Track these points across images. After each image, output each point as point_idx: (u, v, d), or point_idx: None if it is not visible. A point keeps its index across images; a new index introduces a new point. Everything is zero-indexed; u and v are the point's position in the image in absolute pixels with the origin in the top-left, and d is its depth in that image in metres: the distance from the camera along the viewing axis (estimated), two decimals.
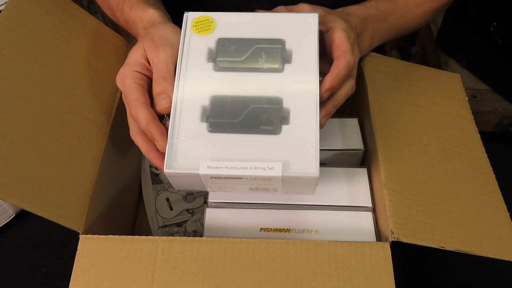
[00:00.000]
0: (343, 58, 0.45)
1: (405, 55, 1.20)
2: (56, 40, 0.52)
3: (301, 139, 0.43)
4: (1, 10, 0.49)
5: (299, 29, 0.47)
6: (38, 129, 0.46)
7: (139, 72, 0.46)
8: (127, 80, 0.45)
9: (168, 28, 0.48)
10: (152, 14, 0.50)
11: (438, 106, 0.57)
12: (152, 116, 0.43)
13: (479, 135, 0.55)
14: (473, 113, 0.59)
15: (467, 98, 0.59)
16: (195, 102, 0.45)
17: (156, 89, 0.44)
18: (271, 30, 0.48)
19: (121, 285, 0.42)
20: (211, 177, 0.42)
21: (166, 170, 0.42)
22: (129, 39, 0.61)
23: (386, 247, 0.43)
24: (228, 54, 0.46)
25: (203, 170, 0.41)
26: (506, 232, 0.47)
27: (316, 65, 0.45)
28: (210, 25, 0.48)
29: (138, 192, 0.65)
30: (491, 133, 0.98)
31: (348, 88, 0.47)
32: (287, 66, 0.46)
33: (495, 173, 0.52)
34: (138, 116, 0.43)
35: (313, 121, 0.43)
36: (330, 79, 0.45)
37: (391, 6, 0.58)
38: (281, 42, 0.47)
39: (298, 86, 0.45)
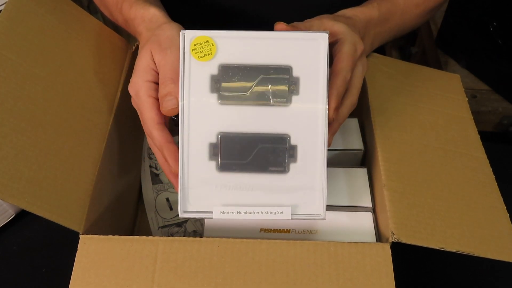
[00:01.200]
0: (340, 75, 0.45)
1: (405, 55, 1.20)
2: (56, 40, 0.52)
3: (309, 181, 0.44)
4: (1, 10, 0.49)
5: (308, 52, 0.44)
6: (38, 129, 0.46)
7: (151, 81, 0.45)
8: (141, 92, 0.45)
9: (174, 30, 0.47)
10: (154, 13, 0.49)
11: (438, 106, 0.57)
12: (166, 140, 0.44)
13: (479, 136, 0.55)
14: (473, 113, 0.59)
15: (467, 99, 0.59)
16: (203, 140, 0.45)
17: (162, 90, 0.44)
18: (277, 53, 0.45)
19: (121, 285, 0.42)
20: None
21: (180, 215, 0.44)
22: (129, 39, 0.61)
23: (386, 248, 0.43)
24: (233, 85, 0.45)
25: (216, 215, 0.44)
26: (506, 233, 0.47)
27: (324, 96, 0.44)
28: (210, 49, 0.45)
29: (138, 192, 0.65)
30: (491, 133, 0.98)
31: (349, 104, 0.47)
32: (294, 97, 0.44)
33: (495, 173, 0.52)
34: (153, 136, 0.44)
35: (321, 159, 0.44)
36: (334, 99, 0.44)
37: (392, 7, 0.58)
38: (288, 71, 0.44)
39: (305, 121, 0.45)
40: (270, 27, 0.48)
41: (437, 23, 1.08)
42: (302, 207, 0.44)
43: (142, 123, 0.46)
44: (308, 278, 0.42)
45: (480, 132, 0.56)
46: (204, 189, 0.44)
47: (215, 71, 0.44)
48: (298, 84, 0.44)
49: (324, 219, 0.44)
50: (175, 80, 0.44)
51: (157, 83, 0.46)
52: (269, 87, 0.44)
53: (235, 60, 0.44)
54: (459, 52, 1.01)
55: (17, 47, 0.48)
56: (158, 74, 0.46)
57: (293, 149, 0.45)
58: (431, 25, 1.10)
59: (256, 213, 0.44)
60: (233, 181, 0.44)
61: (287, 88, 0.44)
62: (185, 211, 0.44)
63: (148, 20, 0.49)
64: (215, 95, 0.44)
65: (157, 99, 0.45)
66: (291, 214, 0.44)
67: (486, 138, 0.57)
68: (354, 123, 0.58)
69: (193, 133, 0.45)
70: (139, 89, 0.45)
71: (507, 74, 0.94)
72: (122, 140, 0.56)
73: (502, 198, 0.49)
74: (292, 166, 0.44)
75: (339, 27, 0.48)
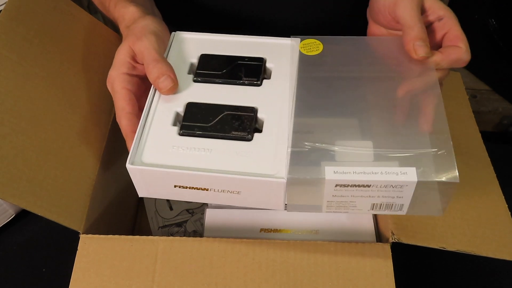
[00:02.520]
0: (462, 49, 0.46)
1: None
2: (56, 40, 0.52)
3: (272, 148, 0.41)
4: (1, 10, 0.49)
5: (281, 50, 0.49)
6: (38, 129, 0.46)
7: (127, 73, 0.45)
8: (115, 84, 0.45)
9: (147, 20, 0.47)
10: (132, 11, 0.49)
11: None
12: (131, 130, 0.43)
13: (480, 134, 0.55)
14: (473, 113, 0.59)
15: (468, 97, 0.59)
16: (169, 109, 0.44)
17: (152, 74, 0.44)
18: (254, 50, 0.49)
19: (121, 285, 0.42)
20: (336, 185, 0.38)
21: (128, 165, 0.40)
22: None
23: (387, 248, 0.43)
24: (209, 68, 0.47)
25: (329, 175, 0.37)
26: (507, 232, 0.47)
27: (294, 83, 0.45)
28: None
29: None
30: (491, 133, 0.98)
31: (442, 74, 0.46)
32: (265, 81, 0.46)
33: (495, 173, 0.52)
34: (121, 125, 0.44)
35: (286, 133, 0.42)
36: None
37: None
38: (261, 60, 0.48)
39: (274, 99, 0.45)
40: (268, 29, 0.51)
41: None
42: (264, 170, 0.40)
43: (116, 113, 0.46)
44: (308, 278, 0.42)
45: (480, 132, 0.56)
46: (160, 148, 0.41)
47: (194, 60, 0.48)
48: (270, 72, 0.47)
49: (284, 179, 0.39)
50: (160, 60, 0.44)
51: (133, 75, 0.46)
52: (243, 70, 0.47)
53: (215, 52, 0.49)
54: None
55: (17, 47, 0.48)
56: (134, 65, 0.46)
57: (259, 121, 0.44)
58: None
59: (375, 173, 0.37)
60: (193, 144, 0.42)
61: (260, 72, 0.46)
62: (133, 163, 0.40)
63: (128, 18, 0.49)
64: (190, 76, 0.47)
65: (131, 91, 0.45)
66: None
67: (486, 138, 0.57)
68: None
69: (161, 102, 0.45)
70: (114, 81, 0.45)
71: (507, 74, 0.94)
72: (122, 140, 0.56)
73: (503, 197, 0.49)
74: (256, 135, 0.42)
75: (437, 3, 0.47)
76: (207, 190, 0.41)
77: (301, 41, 0.48)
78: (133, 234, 0.62)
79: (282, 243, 0.43)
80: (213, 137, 0.42)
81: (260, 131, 0.43)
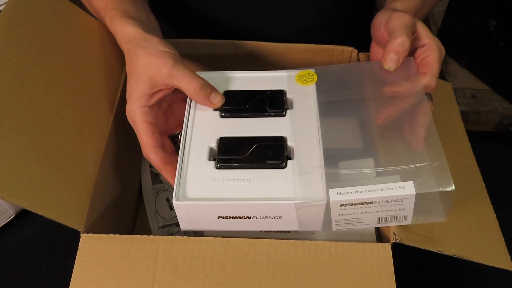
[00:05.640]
0: (427, 76, 0.47)
1: None
2: (56, 40, 0.52)
3: (307, 171, 0.43)
4: (1, 10, 0.49)
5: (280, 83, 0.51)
6: (38, 129, 0.46)
7: (146, 106, 0.47)
8: (136, 118, 0.47)
9: (157, 46, 0.48)
10: (130, 31, 0.50)
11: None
12: (162, 161, 0.46)
13: (470, 143, 0.55)
14: (473, 113, 0.59)
15: (462, 103, 0.59)
16: (203, 144, 0.46)
17: (205, 92, 0.47)
18: (273, 83, 0.52)
19: (122, 284, 0.42)
20: (341, 205, 0.42)
21: (175, 202, 0.42)
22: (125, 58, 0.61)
23: (387, 248, 0.43)
24: (234, 103, 0.49)
25: (334, 197, 0.41)
26: (496, 240, 0.48)
27: (316, 109, 0.48)
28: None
29: (138, 192, 0.65)
30: (491, 133, 0.98)
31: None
32: (289, 111, 0.49)
33: (495, 173, 0.52)
34: (151, 160, 0.47)
35: (317, 157, 0.44)
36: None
37: None
38: (282, 92, 0.50)
39: (301, 127, 0.47)
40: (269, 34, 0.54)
41: (437, 23, 1.08)
42: (304, 194, 0.42)
43: (141, 147, 0.48)
44: (308, 278, 0.42)
45: (480, 132, 0.56)
46: (201, 182, 0.44)
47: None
48: (292, 102, 0.50)
49: (324, 201, 0.41)
50: (196, 77, 0.47)
51: (151, 107, 0.47)
52: (267, 102, 0.49)
53: (237, 88, 0.51)
54: (459, 52, 1.01)
55: (17, 47, 0.48)
56: (152, 95, 0.47)
57: (290, 149, 0.46)
58: (431, 25, 1.10)
59: (376, 190, 0.41)
60: (231, 176, 0.44)
61: (283, 103, 0.49)
62: (178, 199, 0.42)
63: (127, 37, 0.50)
64: (217, 112, 0.49)
65: (152, 123, 0.47)
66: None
67: (486, 138, 0.57)
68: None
69: (194, 140, 0.47)
70: (134, 115, 0.47)
71: (507, 74, 0.94)
72: (122, 140, 0.56)
73: (491, 206, 0.50)
74: (290, 162, 0.44)
75: (423, 31, 0.48)
76: (249, 218, 0.43)
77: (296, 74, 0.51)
78: (133, 233, 0.62)
79: (283, 243, 0.43)
80: (250, 167, 0.44)
81: (290, 158, 0.45)
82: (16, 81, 0.46)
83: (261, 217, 0.43)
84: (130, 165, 0.62)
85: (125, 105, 0.48)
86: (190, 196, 0.43)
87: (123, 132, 0.56)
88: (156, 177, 0.65)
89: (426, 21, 1.11)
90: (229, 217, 0.43)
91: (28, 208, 0.42)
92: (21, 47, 0.48)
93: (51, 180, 0.45)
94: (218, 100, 0.48)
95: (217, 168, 0.44)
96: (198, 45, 0.63)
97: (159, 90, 0.47)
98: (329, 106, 0.48)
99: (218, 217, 0.43)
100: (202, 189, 0.43)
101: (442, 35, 1.05)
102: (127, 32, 0.50)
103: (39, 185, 0.44)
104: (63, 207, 0.44)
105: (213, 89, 0.48)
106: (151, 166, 0.66)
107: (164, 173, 0.46)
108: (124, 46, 0.50)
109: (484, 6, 0.93)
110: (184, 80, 0.46)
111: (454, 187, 0.40)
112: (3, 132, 0.43)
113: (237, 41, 0.62)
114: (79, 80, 0.53)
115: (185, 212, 0.43)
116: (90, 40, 0.57)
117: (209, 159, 0.45)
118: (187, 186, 0.43)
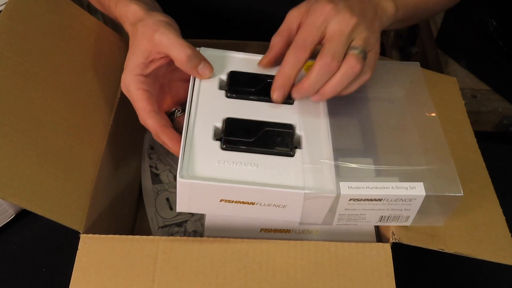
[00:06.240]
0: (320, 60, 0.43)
1: (405, 55, 1.20)
2: (56, 40, 0.52)
3: (316, 163, 0.43)
4: (1, 10, 0.49)
5: None
6: (38, 129, 0.46)
7: (140, 74, 0.46)
8: (130, 87, 0.46)
9: (156, 15, 0.48)
10: (134, 10, 0.49)
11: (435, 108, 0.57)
12: (159, 124, 0.45)
13: (475, 138, 0.55)
14: (473, 113, 0.59)
15: (464, 101, 0.59)
16: (208, 123, 0.45)
17: (189, 63, 0.46)
18: None
19: (122, 284, 0.42)
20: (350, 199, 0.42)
21: (179, 179, 0.40)
22: (129, 38, 0.61)
23: (387, 248, 0.43)
24: (240, 85, 0.48)
25: (344, 191, 0.41)
26: (502, 235, 0.47)
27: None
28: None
29: (138, 192, 0.65)
30: (491, 133, 0.98)
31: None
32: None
33: (495, 173, 0.52)
34: (148, 125, 0.45)
35: (326, 147, 0.44)
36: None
37: None
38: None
39: (309, 116, 0.46)
40: (270, 24, 0.51)
41: (437, 23, 1.08)
42: (314, 184, 0.41)
43: (138, 115, 0.47)
44: (308, 279, 0.42)
45: (480, 132, 0.56)
46: (207, 162, 0.42)
47: (224, 76, 0.49)
48: None
49: (334, 193, 0.41)
50: (189, 45, 0.45)
51: (146, 75, 0.47)
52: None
53: (244, 70, 0.49)
54: (459, 52, 1.01)
55: (17, 46, 0.48)
56: (147, 65, 0.47)
57: (298, 138, 0.45)
58: (431, 25, 1.10)
59: (386, 188, 0.41)
60: (238, 159, 0.42)
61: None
62: (183, 177, 0.40)
63: (131, 17, 0.50)
64: (222, 91, 0.48)
65: (147, 90, 0.46)
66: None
67: (486, 138, 0.57)
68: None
69: (199, 117, 0.45)
70: (128, 84, 0.46)
71: (507, 74, 0.94)
72: (122, 140, 0.56)
73: (498, 201, 0.50)
74: (298, 151, 0.44)
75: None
76: (253, 204, 0.42)
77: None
78: (133, 234, 0.62)
79: (282, 243, 0.43)
80: (257, 152, 0.43)
81: (297, 147, 0.44)
82: (17, 81, 0.46)
83: (266, 204, 0.42)
84: (130, 165, 0.62)
85: (125, 105, 0.48)
86: (195, 175, 0.41)
87: (123, 132, 0.56)
88: (156, 177, 0.65)
89: (426, 21, 1.11)
90: (232, 201, 0.42)
91: (28, 208, 0.42)
92: (22, 46, 0.48)
93: (51, 180, 0.45)
94: (206, 72, 0.47)
95: (223, 149, 0.43)
96: (201, 45, 0.63)
97: (154, 60, 0.47)
98: (335, 102, 0.47)
99: (221, 200, 0.42)
100: (208, 169, 0.41)
101: (442, 35, 1.05)
102: (131, 11, 0.50)
103: (39, 185, 0.44)
104: (63, 207, 0.44)
105: (202, 60, 0.47)
106: (151, 166, 0.66)
107: (163, 137, 0.44)
108: (128, 26, 0.50)
109: (484, 6, 0.93)
110: (172, 48, 0.46)
111: (462, 192, 0.41)
112: (3, 132, 0.43)
113: (238, 41, 0.62)
114: (79, 80, 0.53)
115: (188, 191, 0.41)
116: (90, 40, 0.57)
117: (214, 139, 0.44)
118: (193, 164, 0.41)
